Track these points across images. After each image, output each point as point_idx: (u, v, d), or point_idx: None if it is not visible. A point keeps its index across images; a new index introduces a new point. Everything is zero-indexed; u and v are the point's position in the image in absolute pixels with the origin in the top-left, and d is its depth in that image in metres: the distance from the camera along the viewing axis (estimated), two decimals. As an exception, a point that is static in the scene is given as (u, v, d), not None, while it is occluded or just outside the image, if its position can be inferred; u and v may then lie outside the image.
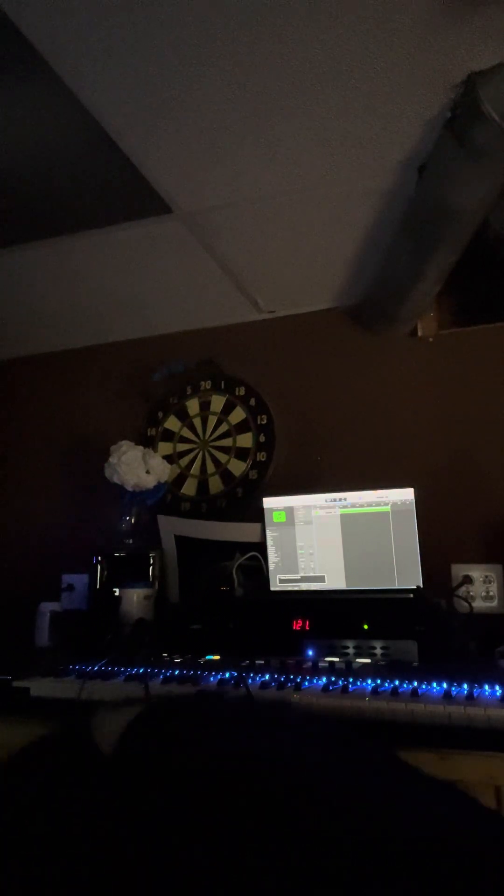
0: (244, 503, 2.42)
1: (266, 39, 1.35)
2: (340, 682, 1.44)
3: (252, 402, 2.53)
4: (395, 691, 1.37)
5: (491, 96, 1.36)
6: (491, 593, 1.98)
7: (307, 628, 1.78)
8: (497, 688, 1.34)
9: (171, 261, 2.20)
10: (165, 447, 2.61)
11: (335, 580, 2.00)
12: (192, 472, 2.56)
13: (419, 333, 2.35)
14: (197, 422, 2.61)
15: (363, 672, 1.54)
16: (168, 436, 2.63)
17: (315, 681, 1.47)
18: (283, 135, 1.62)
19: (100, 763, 0.86)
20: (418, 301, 2.14)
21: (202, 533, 2.36)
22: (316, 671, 1.58)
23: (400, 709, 1.30)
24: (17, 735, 1.53)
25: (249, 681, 1.46)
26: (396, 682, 1.41)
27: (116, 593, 2.09)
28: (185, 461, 2.58)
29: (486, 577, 2.00)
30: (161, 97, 1.51)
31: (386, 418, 2.35)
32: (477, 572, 2.01)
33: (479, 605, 1.96)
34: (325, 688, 1.41)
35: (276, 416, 2.49)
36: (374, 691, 1.38)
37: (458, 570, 2.02)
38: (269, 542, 2.08)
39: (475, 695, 1.32)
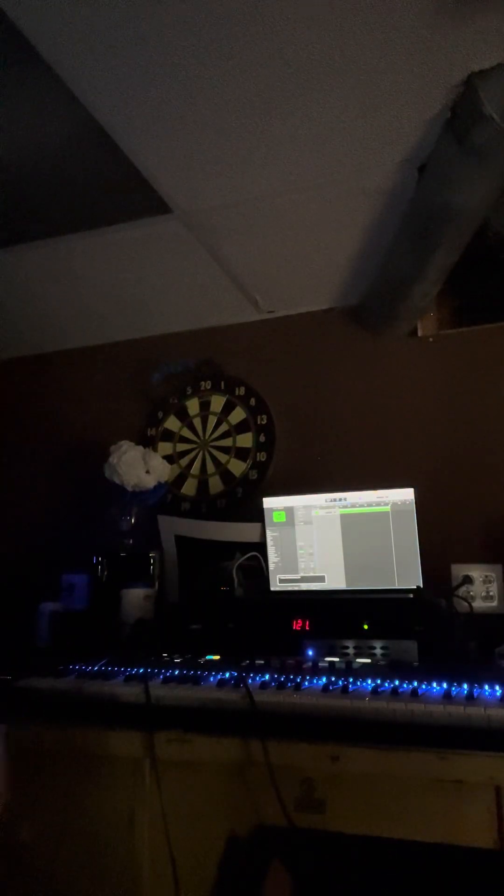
0: (244, 503, 2.42)
1: (266, 39, 1.35)
2: (340, 682, 1.44)
3: (252, 402, 2.53)
4: (395, 691, 1.37)
5: (491, 96, 1.36)
6: (491, 593, 1.98)
7: (307, 628, 1.77)
8: (497, 688, 1.34)
9: (171, 261, 2.20)
10: (165, 447, 2.61)
11: (335, 580, 1.99)
12: (192, 472, 2.56)
13: (419, 333, 2.35)
14: (197, 422, 2.61)
15: (363, 672, 1.54)
16: (168, 436, 2.63)
17: (315, 681, 1.47)
18: (283, 135, 1.62)
19: None
20: (418, 301, 2.14)
21: (202, 533, 2.36)
22: (316, 671, 1.57)
23: (400, 709, 1.30)
24: (18, 735, 1.54)
25: (249, 681, 1.46)
26: (396, 682, 1.41)
27: (117, 593, 2.09)
28: (185, 461, 2.58)
29: (486, 577, 1.99)
30: (161, 97, 1.51)
31: (386, 418, 2.34)
32: (477, 572, 2.00)
33: (479, 605, 1.96)
34: (325, 688, 1.41)
35: (276, 416, 2.49)
36: (374, 691, 1.38)
37: (458, 570, 2.01)
38: (269, 542, 2.08)
39: (475, 695, 1.32)
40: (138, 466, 2.30)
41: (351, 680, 1.45)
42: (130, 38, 1.36)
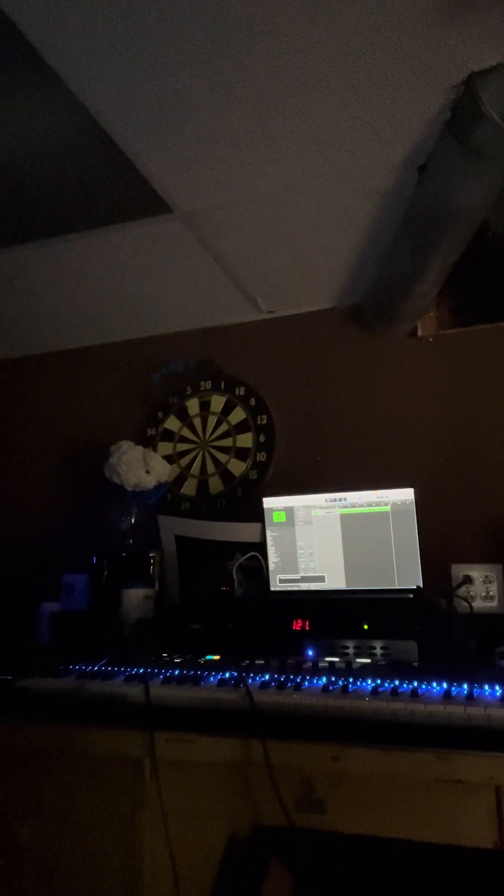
0: (244, 503, 2.42)
1: (266, 39, 1.35)
2: (340, 682, 1.43)
3: (252, 402, 2.53)
4: (395, 691, 1.36)
5: (491, 96, 1.36)
6: (491, 593, 1.98)
7: (307, 628, 1.77)
8: (497, 688, 1.34)
9: (171, 261, 2.20)
10: (165, 447, 2.61)
11: (335, 580, 1.99)
12: (192, 472, 2.56)
13: (419, 333, 2.35)
14: (197, 422, 2.61)
15: (363, 672, 1.54)
16: (168, 436, 2.63)
17: (315, 681, 1.47)
18: (283, 135, 1.62)
19: None
20: (418, 301, 2.14)
21: (202, 533, 2.36)
22: (316, 671, 1.57)
23: (400, 709, 1.30)
24: (18, 735, 1.54)
25: (249, 681, 1.46)
26: (396, 682, 1.41)
27: (117, 593, 2.09)
28: (185, 461, 2.58)
29: (486, 577, 1.99)
30: (161, 97, 1.51)
31: (386, 418, 2.34)
32: (477, 572, 2.00)
33: (479, 605, 1.96)
34: (325, 688, 1.41)
35: (276, 416, 2.49)
36: (374, 691, 1.38)
37: (458, 570, 2.01)
38: (269, 542, 2.08)
39: (475, 695, 1.32)
40: (138, 466, 2.30)
41: (351, 680, 1.45)
42: (130, 39, 1.36)
